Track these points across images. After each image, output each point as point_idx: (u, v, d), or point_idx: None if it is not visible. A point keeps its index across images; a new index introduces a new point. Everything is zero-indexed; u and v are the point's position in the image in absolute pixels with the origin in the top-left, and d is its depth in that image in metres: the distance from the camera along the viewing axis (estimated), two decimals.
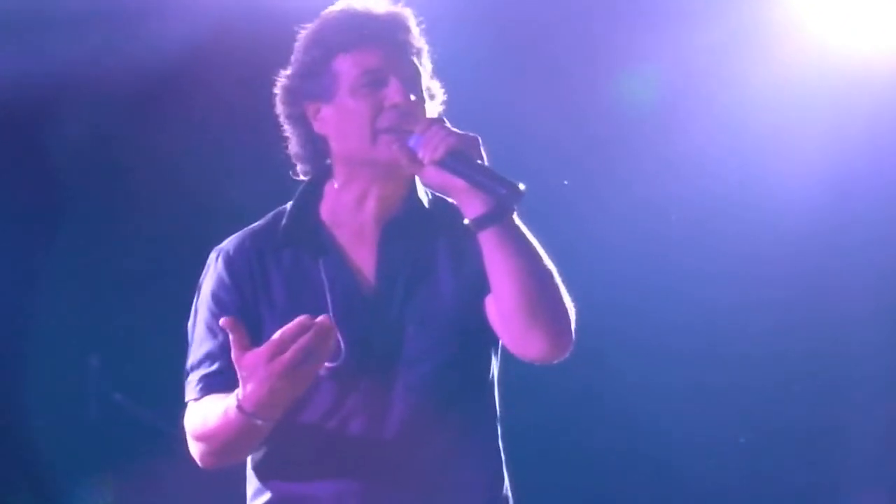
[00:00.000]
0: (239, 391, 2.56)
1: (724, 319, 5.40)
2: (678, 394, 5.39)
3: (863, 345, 5.52)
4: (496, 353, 2.88)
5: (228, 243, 2.87)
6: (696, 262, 5.35)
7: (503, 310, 2.70)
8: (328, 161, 2.85)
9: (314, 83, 2.78)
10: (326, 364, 2.62)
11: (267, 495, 2.83)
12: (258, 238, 2.85)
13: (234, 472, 2.89)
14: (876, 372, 5.53)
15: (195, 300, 2.88)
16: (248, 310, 2.77)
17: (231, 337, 2.54)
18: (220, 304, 2.79)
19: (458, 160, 2.63)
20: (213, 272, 2.84)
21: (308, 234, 2.83)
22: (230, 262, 2.83)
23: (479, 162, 2.66)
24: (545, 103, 5.24)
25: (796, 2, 5.34)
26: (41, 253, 5.30)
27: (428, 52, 2.84)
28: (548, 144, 5.23)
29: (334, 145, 2.81)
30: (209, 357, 2.78)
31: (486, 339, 2.82)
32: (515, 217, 2.68)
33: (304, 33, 2.83)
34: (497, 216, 2.65)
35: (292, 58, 2.83)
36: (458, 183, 2.64)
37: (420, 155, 2.66)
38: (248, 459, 2.86)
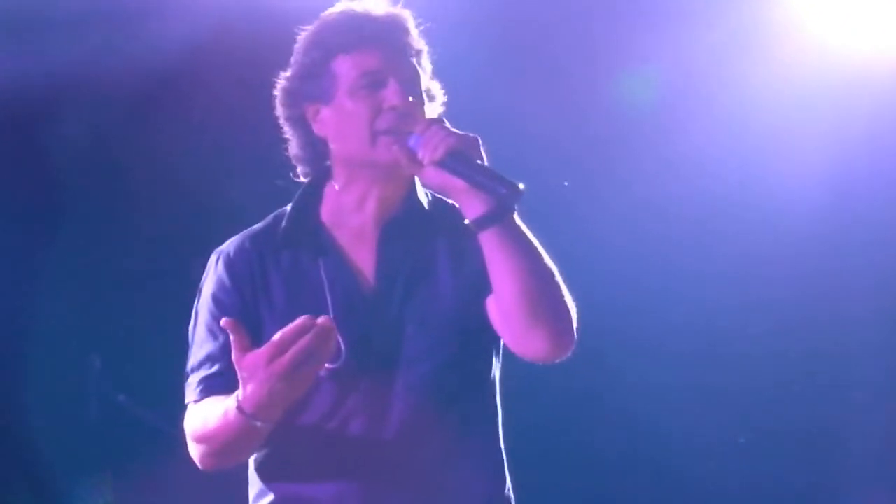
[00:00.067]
0: (239, 392, 2.56)
1: (724, 319, 5.40)
2: (678, 394, 5.39)
3: (863, 345, 5.52)
4: (497, 354, 2.88)
5: (228, 245, 2.87)
6: (696, 263, 5.36)
7: (504, 309, 2.70)
8: (328, 163, 2.86)
9: (313, 85, 2.78)
10: (326, 365, 2.62)
11: (269, 497, 2.83)
12: (258, 240, 2.85)
13: (236, 473, 2.89)
14: (876, 372, 5.54)
15: (195, 302, 2.88)
16: (249, 311, 2.78)
17: (231, 338, 2.54)
18: (221, 306, 2.79)
19: (458, 160, 2.63)
20: (213, 274, 2.85)
21: (308, 235, 2.83)
22: (230, 265, 2.83)
23: (479, 162, 2.65)
24: (545, 103, 5.24)
25: (796, 2, 5.34)
26: (41, 253, 5.30)
27: (428, 52, 2.85)
28: (548, 144, 5.23)
29: (334, 147, 2.81)
30: (209, 359, 2.78)
31: (486, 339, 2.82)
32: (516, 217, 2.68)
33: (303, 35, 2.83)
34: (497, 216, 2.65)
35: (292, 59, 2.83)
36: (458, 183, 2.64)
37: (420, 155, 2.65)
38: (251, 461, 2.86)
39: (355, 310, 2.76)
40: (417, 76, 2.79)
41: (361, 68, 2.74)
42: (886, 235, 5.42)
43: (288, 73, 2.83)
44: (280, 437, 2.71)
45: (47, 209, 5.33)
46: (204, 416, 2.72)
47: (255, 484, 2.87)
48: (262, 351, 2.50)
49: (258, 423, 2.58)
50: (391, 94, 2.72)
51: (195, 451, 2.76)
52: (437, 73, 2.87)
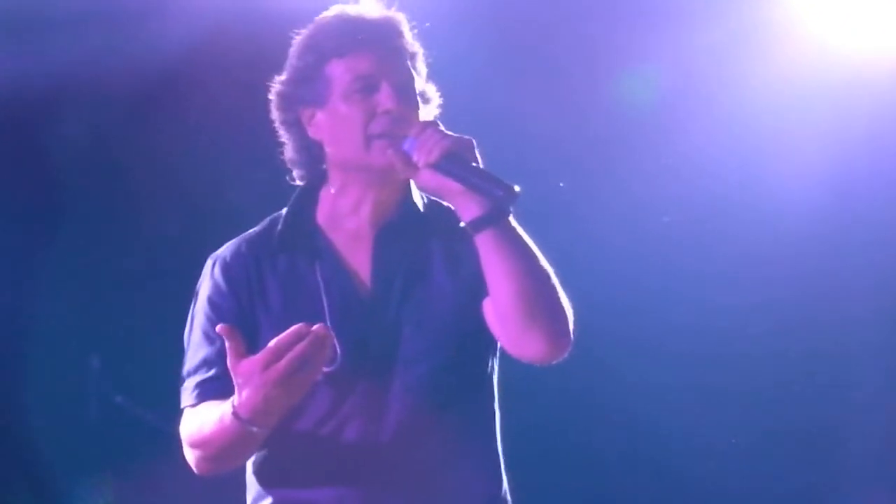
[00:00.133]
0: (235, 398, 2.56)
1: (723, 320, 5.39)
2: (678, 394, 5.38)
3: (863, 345, 5.51)
4: (494, 356, 2.88)
5: (224, 250, 2.88)
6: (695, 263, 5.35)
7: (501, 311, 2.70)
8: (324, 166, 2.86)
9: (308, 89, 2.78)
10: (323, 369, 2.62)
11: (268, 500, 2.83)
12: (254, 244, 2.86)
13: (235, 475, 2.89)
14: (876, 372, 5.53)
15: (192, 306, 2.88)
16: (245, 315, 2.78)
17: (227, 344, 2.54)
18: (217, 311, 2.80)
19: (453, 163, 2.63)
20: (209, 279, 2.85)
21: (304, 238, 2.84)
22: (226, 269, 2.83)
23: (474, 164, 2.66)
24: (545, 103, 5.23)
25: (796, 2, 5.34)
26: (41, 253, 5.30)
27: (427, 54, 2.85)
28: (548, 144, 5.23)
29: (329, 151, 2.82)
30: (206, 363, 2.79)
31: (483, 341, 2.82)
32: (512, 219, 2.68)
33: (298, 39, 2.83)
34: (493, 218, 2.65)
35: (286, 63, 2.84)
36: (454, 186, 2.64)
37: (415, 159, 2.65)
38: (248, 465, 2.86)
39: (352, 312, 2.77)
40: (412, 79, 2.79)
41: (355, 72, 2.74)
42: (886, 235, 5.41)
43: (283, 77, 2.83)
44: (277, 441, 2.72)
45: (47, 209, 5.33)
46: (200, 420, 2.72)
47: (252, 488, 2.87)
48: (258, 357, 2.50)
49: (254, 429, 2.58)
50: (385, 98, 2.72)
51: (191, 455, 2.76)
52: (437, 74, 2.87)
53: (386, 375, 2.76)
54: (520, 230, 2.69)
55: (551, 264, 2.72)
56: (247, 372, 2.51)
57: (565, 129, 5.28)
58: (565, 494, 5.32)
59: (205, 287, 2.85)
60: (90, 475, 5.34)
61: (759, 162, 5.41)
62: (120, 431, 5.40)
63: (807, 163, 5.32)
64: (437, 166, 2.64)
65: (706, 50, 5.27)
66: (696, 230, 5.39)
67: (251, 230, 2.90)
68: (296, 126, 2.83)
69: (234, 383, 2.55)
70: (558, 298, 2.70)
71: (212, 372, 2.76)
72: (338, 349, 2.71)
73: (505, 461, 2.91)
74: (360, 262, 2.81)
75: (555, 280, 2.71)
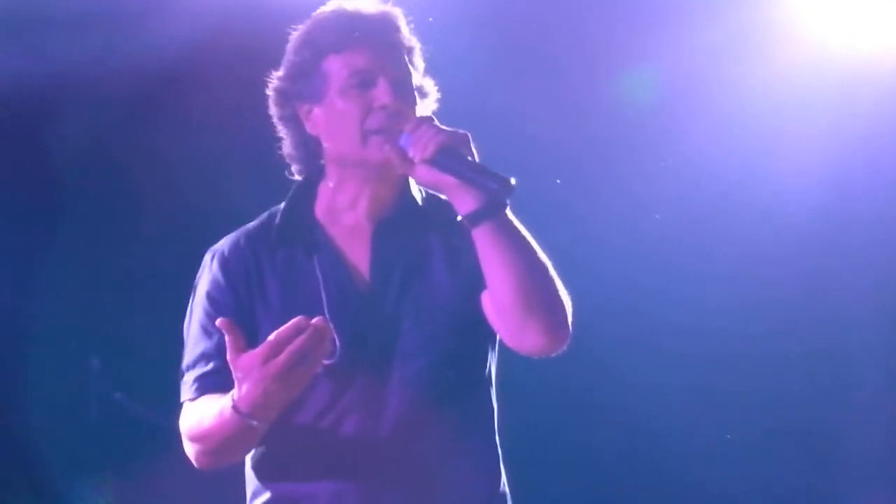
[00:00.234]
0: (234, 392, 2.57)
1: (723, 319, 5.39)
2: (678, 394, 5.38)
3: (863, 345, 5.51)
4: (493, 349, 2.88)
5: (223, 244, 2.88)
6: (695, 262, 5.35)
7: (499, 304, 2.70)
8: (321, 161, 2.86)
9: (305, 84, 2.79)
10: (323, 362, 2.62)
11: (266, 495, 2.83)
12: (252, 238, 2.86)
13: (234, 472, 2.89)
14: (876, 372, 5.53)
15: (190, 300, 2.88)
16: (244, 309, 2.78)
17: (227, 339, 2.54)
18: (216, 304, 2.80)
19: (449, 157, 2.64)
20: (207, 272, 2.85)
21: (302, 232, 2.84)
22: (225, 263, 2.83)
23: (470, 158, 2.66)
24: (545, 103, 5.24)
25: (796, 2, 5.34)
26: (41, 253, 5.30)
27: (426, 51, 2.85)
28: (548, 144, 5.23)
29: (326, 146, 2.82)
30: (204, 357, 2.79)
31: (482, 334, 2.82)
32: (508, 212, 2.68)
33: (295, 34, 2.84)
34: (490, 211, 2.65)
35: (284, 59, 2.84)
36: (450, 180, 2.64)
37: (411, 154, 2.66)
38: (247, 459, 2.86)
39: (350, 306, 2.77)
40: (408, 74, 2.79)
41: (351, 67, 2.75)
42: (886, 235, 5.42)
43: (280, 73, 2.84)
44: (276, 435, 2.71)
45: (47, 209, 5.33)
46: (199, 414, 2.72)
47: (251, 482, 2.87)
48: (257, 351, 2.51)
49: (254, 423, 2.58)
50: (381, 94, 2.73)
51: (190, 449, 2.77)
52: (437, 73, 2.87)
53: (384, 369, 2.76)
54: (517, 223, 2.70)
55: (552, 264, 2.72)
56: (246, 366, 2.52)
57: (565, 129, 5.28)
58: (565, 494, 5.32)
59: (203, 281, 2.85)
60: (90, 475, 5.34)
61: (758, 162, 5.42)
62: (120, 431, 5.40)
63: (806, 162, 5.33)
64: (432, 161, 2.64)
65: (706, 50, 5.27)
66: (695, 230, 5.38)
67: (249, 224, 2.91)
68: (293, 121, 2.83)
69: (234, 377, 2.55)
70: (556, 290, 2.71)
71: (211, 366, 2.77)
72: (337, 342, 2.71)
73: (505, 461, 2.91)
74: (358, 256, 2.81)
75: (553, 272, 2.71)
